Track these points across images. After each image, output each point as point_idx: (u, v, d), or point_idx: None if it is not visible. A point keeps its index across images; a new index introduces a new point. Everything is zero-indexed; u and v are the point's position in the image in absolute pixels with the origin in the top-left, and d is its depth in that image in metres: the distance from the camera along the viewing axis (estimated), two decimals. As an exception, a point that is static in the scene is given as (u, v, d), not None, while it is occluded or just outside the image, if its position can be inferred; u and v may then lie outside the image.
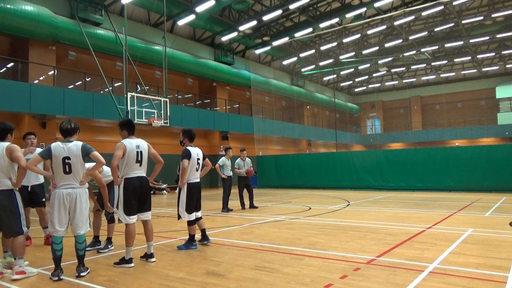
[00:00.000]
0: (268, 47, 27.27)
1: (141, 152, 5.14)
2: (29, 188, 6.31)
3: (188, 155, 5.94)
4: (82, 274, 4.49)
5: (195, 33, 25.01)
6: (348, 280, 4.14)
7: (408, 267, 4.60)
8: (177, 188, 6.17)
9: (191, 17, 20.69)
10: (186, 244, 5.99)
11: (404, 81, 42.46)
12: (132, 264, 4.98)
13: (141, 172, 5.16)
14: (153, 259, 5.20)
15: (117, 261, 5.04)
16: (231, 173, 11.47)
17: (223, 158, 11.40)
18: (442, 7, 23.07)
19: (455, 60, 36.07)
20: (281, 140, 31.12)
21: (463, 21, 27.15)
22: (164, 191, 20.29)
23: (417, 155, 17.65)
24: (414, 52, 31.89)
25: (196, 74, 24.23)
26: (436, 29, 28.57)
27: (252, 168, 11.81)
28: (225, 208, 11.15)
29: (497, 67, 37.10)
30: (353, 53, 32.57)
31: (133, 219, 5.09)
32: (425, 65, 37.95)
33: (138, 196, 5.10)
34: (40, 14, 15.76)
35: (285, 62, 31.95)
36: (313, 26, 24.86)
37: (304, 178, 21.01)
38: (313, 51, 31.42)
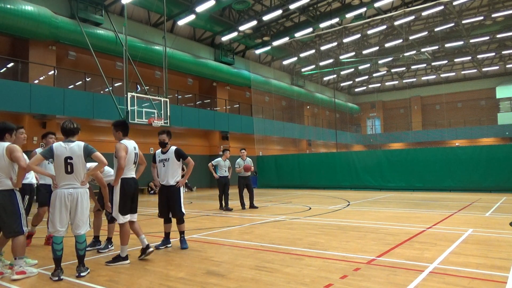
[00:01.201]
0: (268, 47, 27.26)
1: (136, 153, 5.32)
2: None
3: None
4: (82, 274, 4.50)
5: (195, 33, 25.01)
6: (348, 280, 4.14)
7: (408, 267, 4.60)
8: (170, 188, 6.11)
9: (191, 17, 20.68)
10: (183, 242, 6.09)
11: (404, 81, 42.45)
12: (129, 261, 5.05)
13: (134, 173, 5.32)
14: (151, 249, 5.28)
15: (111, 260, 5.07)
16: (226, 174, 11.60)
17: (218, 158, 11.75)
18: (442, 7, 23.06)
19: (455, 60, 36.05)
20: (281, 140, 31.11)
21: (463, 21, 27.14)
22: None
23: (417, 155, 17.65)
24: (414, 52, 31.88)
25: (196, 74, 24.22)
26: (436, 29, 28.56)
27: (250, 165, 11.78)
28: (221, 207, 11.51)
29: (497, 67, 37.08)
30: (353, 53, 32.56)
31: (127, 218, 5.19)
32: (425, 65, 37.93)
33: (132, 197, 5.24)
34: (40, 14, 15.76)
35: (285, 62, 31.94)
36: (313, 26, 24.86)
37: (304, 178, 21.00)
38: (313, 51, 31.41)
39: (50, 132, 6.47)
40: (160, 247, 6.01)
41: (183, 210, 6.11)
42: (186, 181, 6.27)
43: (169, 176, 6.05)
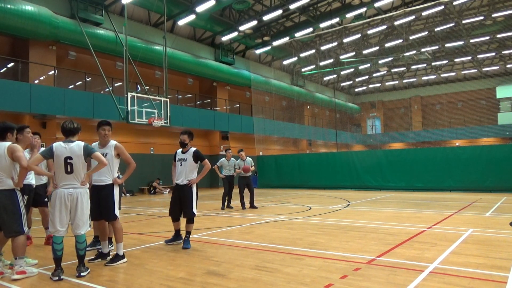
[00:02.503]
0: (269, 47, 27.25)
1: None
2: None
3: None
4: (82, 274, 4.50)
5: (195, 33, 25.00)
6: (348, 280, 4.14)
7: (408, 267, 4.60)
8: (178, 187, 6.23)
9: (191, 17, 20.67)
10: (187, 241, 6.11)
11: (404, 81, 42.44)
12: (126, 259, 5.15)
13: None
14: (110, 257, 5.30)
15: (110, 260, 5.09)
16: (230, 173, 11.82)
17: (222, 159, 11.97)
18: (442, 7, 23.05)
19: (456, 60, 36.03)
20: (281, 140, 31.10)
21: (464, 21, 27.13)
22: (165, 192, 20.35)
23: (417, 155, 17.64)
24: (414, 52, 31.86)
25: (196, 74, 24.22)
26: (436, 29, 28.54)
27: (249, 166, 11.80)
28: (223, 207, 11.65)
29: (497, 67, 37.07)
30: (353, 53, 32.55)
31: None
32: (425, 65, 37.91)
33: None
34: (40, 14, 15.75)
35: (285, 62, 31.93)
36: (313, 26, 24.85)
37: (304, 178, 21.00)
38: (313, 51, 31.40)
39: (33, 132, 6.06)
40: (169, 243, 6.13)
41: (195, 210, 6.16)
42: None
43: (184, 175, 6.17)
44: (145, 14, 21.87)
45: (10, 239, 4.62)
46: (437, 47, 31.98)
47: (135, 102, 15.75)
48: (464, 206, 10.99)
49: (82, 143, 4.66)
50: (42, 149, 6.25)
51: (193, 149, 6.31)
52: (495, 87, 37.68)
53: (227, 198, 11.86)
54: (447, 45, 31.16)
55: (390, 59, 34.16)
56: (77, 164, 4.57)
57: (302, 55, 30.76)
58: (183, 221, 6.25)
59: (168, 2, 18.55)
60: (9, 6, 14.85)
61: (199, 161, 6.23)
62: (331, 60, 32.49)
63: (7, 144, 4.55)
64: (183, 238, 6.19)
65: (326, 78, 39.83)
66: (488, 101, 38.95)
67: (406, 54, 31.58)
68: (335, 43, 30.76)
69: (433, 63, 36.73)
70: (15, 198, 4.53)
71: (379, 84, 44.06)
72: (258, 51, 28.29)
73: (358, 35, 29.20)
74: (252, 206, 11.71)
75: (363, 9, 23.27)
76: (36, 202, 6.42)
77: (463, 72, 39.82)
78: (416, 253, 5.31)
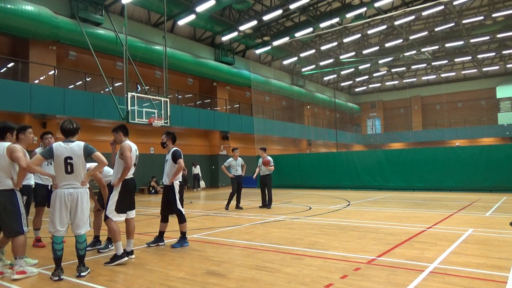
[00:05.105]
0: (269, 47, 27.24)
1: (137, 156, 5.49)
2: (49, 187, 6.32)
3: (181, 155, 6.28)
4: (82, 274, 4.50)
5: (195, 33, 25.01)
6: (348, 280, 4.14)
7: (408, 267, 4.60)
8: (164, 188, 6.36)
9: (192, 17, 20.67)
10: (180, 242, 6.12)
11: (404, 81, 42.43)
12: (126, 258, 5.09)
13: (132, 174, 5.44)
14: (133, 256, 5.33)
15: (109, 260, 5.08)
16: (239, 173, 11.70)
17: (229, 159, 11.84)
18: (442, 7, 23.05)
19: (456, 60, 36.04)
20: (281, 140, 31.10)
21: (464, 21, 27.13)
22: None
23: (417, 155, 17.64)
24: (414, 52, 31.86)
25: (197, 74, 24.22)
26: (436, 29, 28.55)
27: (268, 160, 11.79)
28: (227, 205, 11.54)
29: (497, 67, 37.08)
30: (353, 53, 32.55)
31: (123, 217, 5.27)
32: (425, 65, 37.92)
33: (130, 197, 5.36)
34: (40, 14, 15.76)
35: (285, 62, 31.93)
36: (313, 26, 24.85)
37: (304, 178, 20.99)
38: (313, 51, 31.40)
39: (46, 132, 6.51)
40: (151, 245, 6.11)
41: (180, 207, 6.12)
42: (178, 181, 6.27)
43: (166, 176, 6.25)
44: (145, 14, 21.87)
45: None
46: (437, 47, 31.98)
47: (135, 102, 15.75)
48: (464, 206, 10.99)
49: (82, 143, 4.66)
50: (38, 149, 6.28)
51: (173, 149, 6.29)
52: (495, 87, 37.68)
53: (236, 198, 11.70)
54: (447, 45, 31.15)
55: (390, 59, 34.15)
56: (77, 164, 4.57)
57: (302, 55, 30.76)
58: (172, 224, 6.35)
59: (168, 2, 18.55)
60: (9, 6, 14.85)
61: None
62: (331, 60, 32.49)
63: (6, 144, 4.55)
64: (164, 241, 6.25)
65: (326, 78, 39.83)
66: (488, 101, 38.95)
67: (406, 54, 31.55)
68: (335, 43, 30.76)
69: (433, 63, 36.73)
70: (15, 198, 4.53)
71: (379, 84, 44.07)
72: (258, 51, 28.28)
73: (358, 35, 29.20)
74: (263, 206, 11.72)
75: (363, 9, 23.27)
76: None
77: (463, 72, 39.82)
78: (416, 253, 5.31)
